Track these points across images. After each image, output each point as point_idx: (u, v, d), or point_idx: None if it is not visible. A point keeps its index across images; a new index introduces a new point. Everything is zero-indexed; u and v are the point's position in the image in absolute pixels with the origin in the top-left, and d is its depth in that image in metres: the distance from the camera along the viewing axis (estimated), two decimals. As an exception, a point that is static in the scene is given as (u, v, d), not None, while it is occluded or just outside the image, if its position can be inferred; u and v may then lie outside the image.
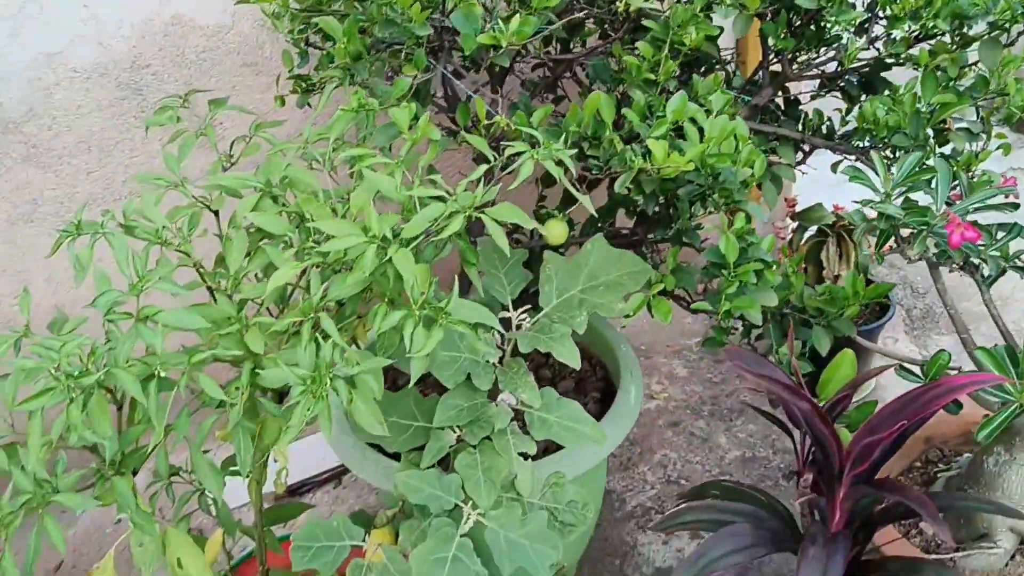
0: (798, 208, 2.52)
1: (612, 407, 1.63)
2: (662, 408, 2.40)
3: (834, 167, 1.81)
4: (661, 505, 2.10)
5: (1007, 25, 1.50)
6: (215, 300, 1.21)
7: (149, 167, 1.94)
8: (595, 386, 1.83)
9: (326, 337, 1.00)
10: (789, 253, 2.46)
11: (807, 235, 2.38)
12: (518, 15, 1.16)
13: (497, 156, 1.18)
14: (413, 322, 1.04)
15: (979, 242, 1.32)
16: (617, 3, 1.34)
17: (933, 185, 1.39)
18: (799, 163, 1.82)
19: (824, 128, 1.79)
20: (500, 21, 1.15)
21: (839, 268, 2.31)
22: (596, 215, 1.29)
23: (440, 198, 1.13)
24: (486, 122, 1.23)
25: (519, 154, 1.15)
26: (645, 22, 1.40)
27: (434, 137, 1.19)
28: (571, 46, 1.71)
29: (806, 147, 1.78)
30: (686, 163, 1.28)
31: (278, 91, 1.66)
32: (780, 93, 1.77)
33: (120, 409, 1.06)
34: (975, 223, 1.37)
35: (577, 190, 1.18)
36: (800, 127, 1.80)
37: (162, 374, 0.97)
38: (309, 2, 1.25)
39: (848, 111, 1.78)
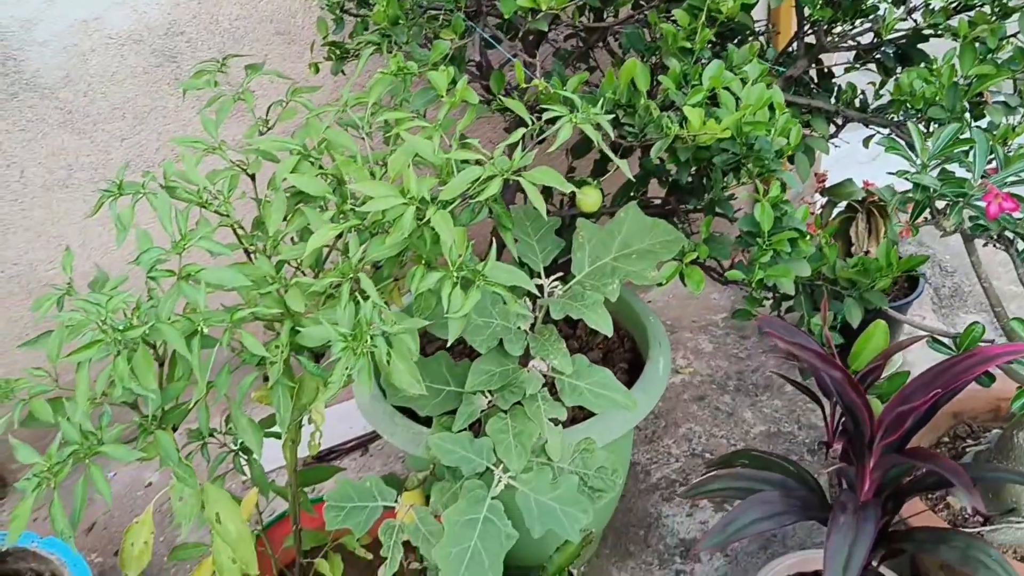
0: (828, 183, 2.52)
1: (641, 377, 1.63)
2: (687, 383, 2.41)
3: (866, 142, 1.80)
4: (685, 478, 2.10)
5: (1048, -5, 1.48)
6: (253, 263, 1.23)
7: (182, 135, 1.96)
8: (623, 357, 1.84)
9: (365, 297, 1.01)
10: (821, 226, 2.45)
11: (836, 211, 2.37)
12: (557, -21, 1.15)
13: (534, 120, 1.18)
14: (451, 283, 1.04)
15: (1017, 213, 1.31)
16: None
17: (970, 157, 1.38)
18: (832, 136, 1.81)
19: (857, 102, 1.78)
20: (540, -15, 1.15)
21: (868, 244, 2.30)
22: (632, 179, 1.29)
23: (478, 161, 1.14)
24: (524, 85, 1.23)
25: (556, 119, 1.15)
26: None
27: (472, 101, 1.20)
28: (604, 15, 1.71)
29: (839, 120, 1.77)
30: (722, 130, 1.28)
31: (312, 58, 1.67)
32: (814, 65, 1.76)
33: (161, 366, 1.08)
34: (1013, 195, 1.36)
35: (613, 155, 1.18)
36: (833, 100, 1.79)
37: (205, 331, 0.98)
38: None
39: (882, 84, 1.77)
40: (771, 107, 1.35)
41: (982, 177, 1.47)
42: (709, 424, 2.26)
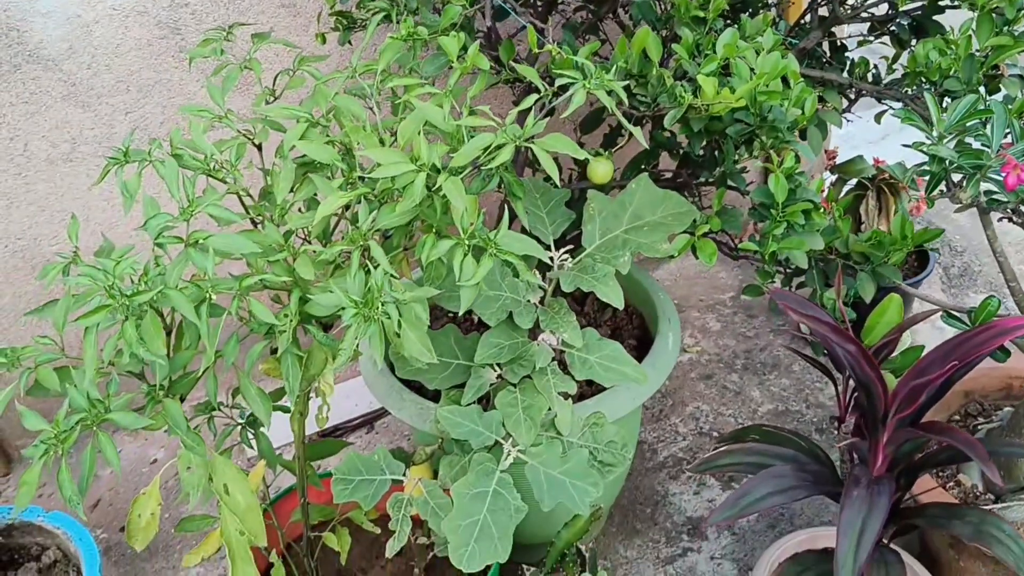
0: (838, 161, 2.49)
1: (651, 352, 1.62)
2: (695, 361, 2.39)
3: (878, 117, 1.77)
4: (693, 456, 2.10)
5: (1068, -35, 1.46)
6: (260, 232, 1.21)
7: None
8: (632, 334, 1.83)
9: (376, 265, 1.00)
10: (827, 206, 2.43)
11: (846, 188, 2.35)
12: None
13: (546, 87, 1.16)
14: (463, 251, 1.03)
15: (1036, 184, 1.29)
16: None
17: (987, 129, 1.36)
18: (845, 110, 1.79)
19: (870, 76, 1.76)
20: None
21: (878, 222, 2.28)
22: (646, 148, 1.27)
23: (491, 125, 1.12)
24: (537, 51, 1.21)
25: (567, 86, 1.13)
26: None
27: (483, 67, 1.18)
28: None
29: (852, 94, 1.75)
30: (736, 100, 1.26)
31: (319, 28, 1.65)
32: (827, 38, 1.74)
33: (168, 335, 1.07)
34: (1030, 166, 1.35)
35: (627, 124, 1.16)
36: (846, 73, 1.77)
37: (213, 298, 0.96)
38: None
39: (895, 58, 1.75)
40: (785, 78, 1.33)
41: (1000, 149, 1.45)
42: (716, 403, 2.25)
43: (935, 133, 1.38)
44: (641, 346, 1.80)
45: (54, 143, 1.87)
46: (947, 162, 1.35)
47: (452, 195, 1.03)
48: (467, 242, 1.04)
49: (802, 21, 1.75)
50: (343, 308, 0.96)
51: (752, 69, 1.33)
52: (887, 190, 2.29)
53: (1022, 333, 1.19)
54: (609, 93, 1.12)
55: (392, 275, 1.02)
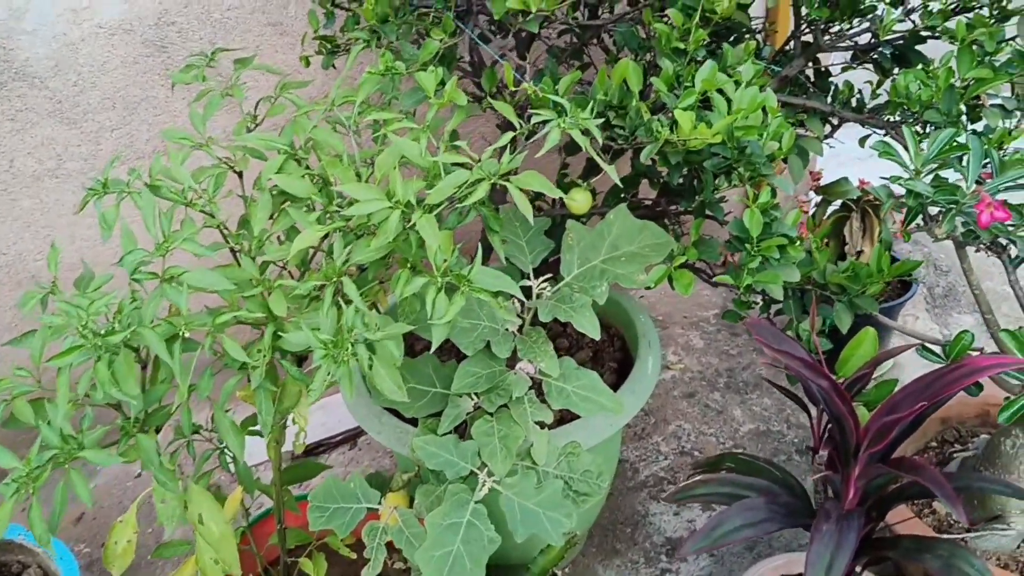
0: (823, 182, 2.51)
1: (629, 377, 1.63)
2: (677, 379, 2.40)
3: (862, 141, 1.78)
4: (674, 476, 2.11)
5: (1047, 0, 1.47)
6: (238, 262, 1.22)
7: (172, 125, 1.94)
8: (612, 356, 1.84)
9: (348, 302, 1.01)
10: (813, 228, 2.44)
11: (831, 209, 2.36)
12: (548, -19, 1.14)
13: (524, 124, 1.17)
14: (435, 288, 1.04)
15: (1009, 222, 1.30)
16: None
17: (964, 163, 1.38)
18: (827, 136, 1.80)
19: (854, 101, 1.77)
20: (530, -14, 1.14)
21: (862, 244, 2.29)
22: (620, 186, 1.28)
23: (465, 165, 1.13)
24: (514, 88, 1.22)
25: (545, 121, 1.14)
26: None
27: (460, 102, 1.19)
28: (599, 12, 1.69)
29: (835, 120, 1.76)
30: (713, 135, 1.27)
31: (303, 51, 1.66)
32: (810, 65, 1.75)
33: (144, 368, 1.07)
34: (1005, 203, 1.36)
35: (602, 160, 1.17)
36: (830, 99, 1.78)
37: (186, 335, 0.97)
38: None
39: (879, 83, 1.76)
40: (764, 110, 1.34)
41: (976, 183, 1.46)
42: (698, 422, 2.26)
43: (912, 167, 1.39)
44: (623, 368, 1.81)
45: (40, 160, 1.87)
46: (924, 196, 1.36)
47: (426, 233, 1.03)
48: (440, 279, 1.04)
49: (786, 48, 1.76)
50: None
51: (730, 101, 1.34)
52: (871, 212, 2.31)
53: (993, 373, 1.20)
54: (585, 132, 1.13)
55: (365, 312, 1.02)
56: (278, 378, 1.12)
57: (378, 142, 1.25)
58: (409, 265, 1.11)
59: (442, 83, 1.21)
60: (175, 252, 1.06)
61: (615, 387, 1.69)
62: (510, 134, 1.15)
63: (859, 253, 2.30)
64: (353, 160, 1.19)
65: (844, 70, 1.81)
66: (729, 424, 2.25)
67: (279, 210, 1.19)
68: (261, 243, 1.17)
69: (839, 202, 2.35)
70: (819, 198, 2.35)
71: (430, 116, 1.18)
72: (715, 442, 2.20)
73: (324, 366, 0.93)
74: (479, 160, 1.13)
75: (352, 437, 2.23)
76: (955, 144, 1.35)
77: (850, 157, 1.86)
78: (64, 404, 0.91)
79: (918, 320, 2.58)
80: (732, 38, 1.72)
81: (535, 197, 1.64)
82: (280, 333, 1.03)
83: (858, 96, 1.78)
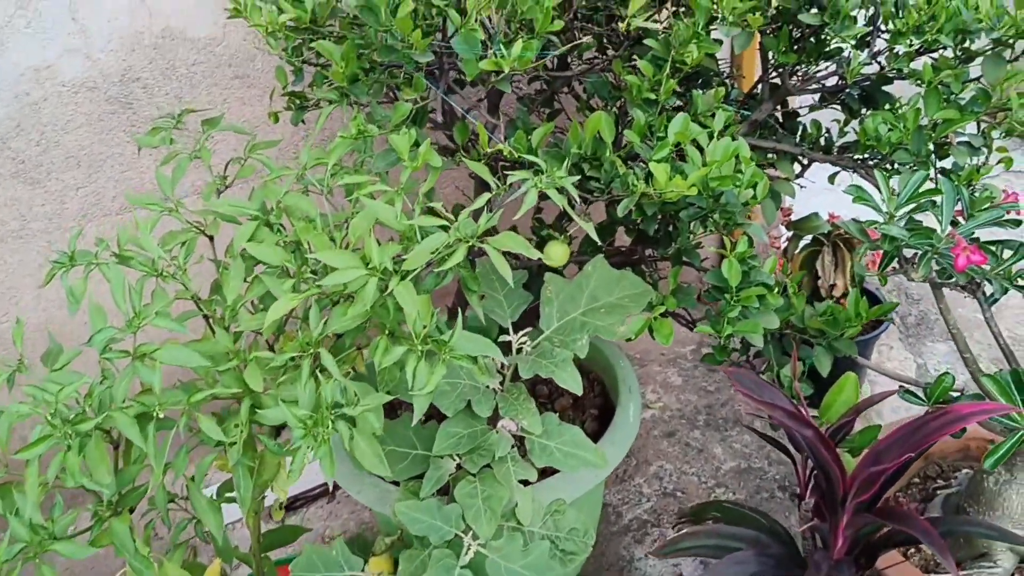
0: (793, 217, 2.52)
1: (611, 426, 1.61)
2: (657, 418, 2.39)
3: (831, 178, 1.80)
4: (657, 518, 2.09)
5: (1011, 41, 1.49)
6: (212, 330, 1.19)
7: (140, 182, 1.91)
8: (593, 402, 1.82)
9: (325, 373, 0.98)
10: (784, 263, 2.45)
11: (802, 244, 2.37)
12: (520, 40, 1.13)
13: (499, 184, 1.16)
14: (415, 357, 1.02)
15: (985, 265, 1.31)
16: (618, 23, 1.32)
17: (937, 204, 1.38)
18: (797, 176, 1.81)
19: (822, 140, 1.78)
20: (502, 46, 1.13)
21: (835, 277, 2.30)
22: (597, 241, 1.27)
23: (442, 227, 1.11)
24: (488, 149, 1.21)
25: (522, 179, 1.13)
26: (646, 41, 1.38)
27: (435, 164, 1.17)
28: (568, 61, 1.69)
29: (805, 160, 1.77)
30: (688, 187, 1.27)
31: (271, 107, 1.64)
32: (778, 108, 1.76)
33: (117, 448, 1.04)
34: (978, 242, 1.37)
35: (579, 213, 1.16)
36: (798, 139, 1.79)
37: (160, 415, 0.94)
38: (304, 23, 1.22)
39: (846, 122, 1.77)
40: (737, 159, 1.34)
41: (952, 224, 1.48)
42: (680, 461, 2.25)
43: (885, 210, 1.40)
44: (604, 414, 1.79)
45: (3, 220, 1.83)
46: (899, 240, 1.37)
47: (404, 301, 1.02)
48: (420, 347, 1.02)
49: (754, 91, 1.77)
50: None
51: (703, 149, 1.34)
52: (843, 245, 2.32)
53: (976, 420, 1.20)
54: (560, 190, 1.12)
55: (344, 383, 1.00)
56: (256, 451, 1.09)
57: (353, 203, 1.23)
58: (387, 331, 1.09)
59: (416, 143, 1.20)
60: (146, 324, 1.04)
61: (597, 434, 1.67)
62: (486, 195, 1.14)
63: (832, 287, 2.31)
64: (327, 223, 1.17)
65: (812, 110, 1.83)
66: (710, 463, 2.23)
67: (253, 277, 1.17)
68: (235, 312, 1.14)
69: (810, 236, 2.37)
70: (791, 233, 2.38)
71: (404, 178, 1.16)
72: (697, 482, 2.18)
73: (303, 446, 0.91)
74: (455, 220, 1.11)
75: (332, 490, 2.19)
76: (926, 189, 1.36)
77: (819, 187, 1.87)
78: (33, 494, 0.88)
79: (892, 350, 2.59)
80: (700, 81, 1.72)
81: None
82: (257, 407, 1.00)
83: (826, 135, 1.80)
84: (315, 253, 1.08)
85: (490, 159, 1.43)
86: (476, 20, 1.12)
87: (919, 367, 2.51)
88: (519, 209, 1.10)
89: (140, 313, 1.01)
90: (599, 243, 1.64)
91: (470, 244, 1.09)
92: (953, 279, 1.42)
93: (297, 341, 1.06)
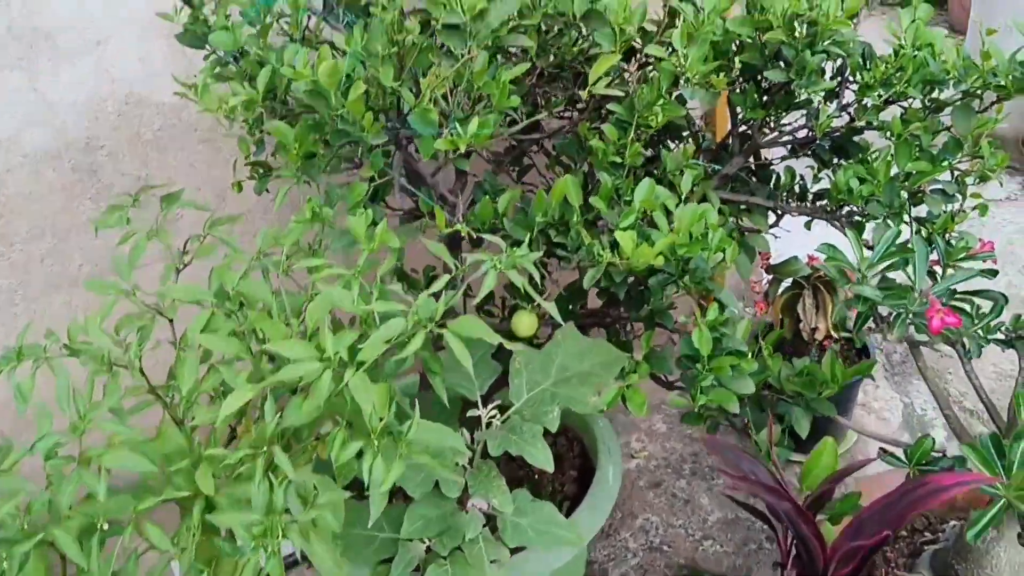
0: (773, 260, 2.50)
1: (589, 492, 1.58)
2: (643, 468, 2.35)
3: (807, 224, 1.78)
4: (644, 574, 2.04)
5: (979, 92, 1.48)
6: (165, 408, 1.16)
7: (105, 250, 1.88)
8: (572, 463, 1.79)
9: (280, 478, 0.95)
10: (762, 307, 2.43)
11: (783, 286, 2.34)
12: (476, 117, 1.11)
13: (458, 265, 1.13)
14: (372, 453, 0.98)
15: (960, 327, 1.29)
16: (578, 91, 1.30)
17: (910, 265, 1.36)
18: (772, 225, 1.79)
19: (796, 187, 1.76)
20: (458, 124, 1.10)
21: (816, 321, 2.28)
22: (561, 321, 1.24)
23: (401, 309, 1.08)
24: (444, 230, 1.18)
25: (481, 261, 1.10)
26: (609, 106, 1.36)
27: (393, 245, 1.15)
28: (538, 121, 1.67)
29: (778, 211, 1.75)
30: (655, 256, 1.24)
31: (235, 177, 1.61)
32: (750, 160, 1.74)
33: (64, 558, 1.00)
34: (955, 295, 1.35)
35: (542, 288, 1.13)
36: (772, 187, 1.77)
37: (105, 527, 0.91)
38: (257, 102, 1.19)
39: (819, 169, 1.76)
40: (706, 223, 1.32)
41: (930, 275, 1.45)
42: (666, 513, 2.21)
43: (859, 269, 1.37)
44: (584, 475, 1.76)
45: (-35, 294, 1.80)
46: (873, 301, 1.34)
47: (359, 395, 0.99)
48: (376, 442, 0.99)
49: (727, 142, 1.76)
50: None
51: (671, 212, 1.32)
52: (823, 288, 2.29)
53: (957, 492, 1.17)
54: (522, 270, 1.10)
55: (300, 484, 0.97)
56: (211, 552, 1.05)
57: (312, 285, 1.20)
58: (346, 422, 1.06)
59: (375, 222, 1.17)
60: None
61: (577, 498, 1.64)
62: (446, 277, 1.11)
63: (814, 330, 2.28)
64: (284, 308, 1.14)
65: (784, 159, 1.81)
66: (697, 513, 2.19)
67: (209, 366, 1.14)
68: (190, 404, 1.11)
69: (791, 279, 2.35)
70: (771, 276, 2.35)
71: (361, 261, 1.14)
72: (684, 534, 2.14)
73: (253, 560, 0.87)
74: (414, 305, 1.08)
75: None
76: (900, 246, 1.34)
77: (799, 229, 1.84)
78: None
79: (878, 388, 2.56)
80: (670, 135, 1.70)
81: (480, 305, 1.60)
82: (208, 512, 0.97)
83: (800, 182, 1.78)
84: (270, 345, 1.05)
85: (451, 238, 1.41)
86: (430, 99, 1.09)
87: (905, 407, 2.48)
88: (478, 294, 1.07)
89: (85, 416, 0.97)
90: (568, 301, 1.62)
91: (429, 329, 1.06)
92: (929, 339, 1.40)
93: (251, 436, 1.03)
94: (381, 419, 1.00)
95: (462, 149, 1.10)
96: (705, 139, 1.82)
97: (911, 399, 2.50)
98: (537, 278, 1.12)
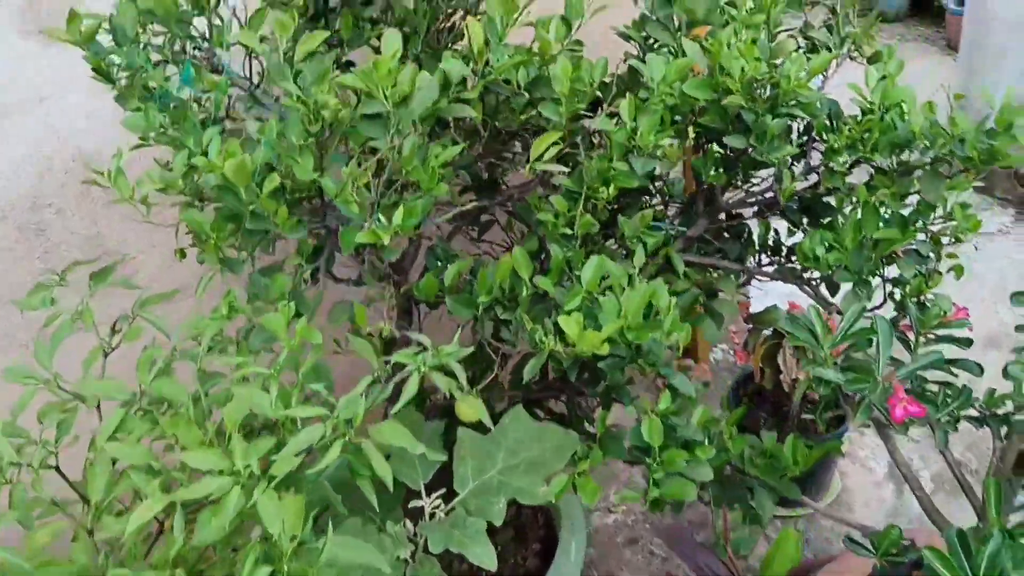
0: (752, 309, 2.43)
1: (550, 570, 1.51)
2: (620, 523, 2.28)
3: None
4: (618, 640, 1.98)
5: (948, 157, 1.41)
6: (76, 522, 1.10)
7: (55, 312, 1.82)
8: (536, 535, 1.72)
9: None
10: (741, 356, 2.36)
11: (763, 335, 2.28)
12: (401, 207, 1.04)
13: (382, 367, 1.07)
14: (282, 577, 0.92)
15: (923, 417, 1.22)
16: (521, 169, 1.24)
17: (875, 345, 1.29)
18: (740, 286, 1.72)
19: (771, 240, 1.70)
20: (381, 216, 1.04)
21: (796, 372, 2.21)
22: (491, 426, 1.18)
23: (322, 413, 1.02)
24: (366, 330, 1.12)
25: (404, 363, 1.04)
26: (554, 180, 1.30)
27: (315, 341, 1.08)
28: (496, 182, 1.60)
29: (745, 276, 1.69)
30: (601, 343, 1.17)
31: (178, 244, 1.55)
32: (717, 223, 1.67)
33: None
34: (916, 396, 1.28)
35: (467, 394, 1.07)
36: (742, 243, 1.71)
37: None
38: (177, 189, 1.14)
39: (791, 232, 1.69)
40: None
41: (900, 342, 1.39)
42: (644, 572, 2.14)
43: (821, 351, 1.30)
44: (547, 548, 1.69)
45: (-92, 359, 1.74)
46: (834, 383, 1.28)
47: (266, 515, 0.92)
48: (287, 565, 0.93)
49: (692, 204, 1.69)
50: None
51: (624, 289, 1.25)
52: (804, 337, 2.22)
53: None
54: (448, 372, 1.03)
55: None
56: None
57: (235, 383, 1.14)
58: (261, 537, 1.00)
59: (298, 314, 1.11)
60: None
61: (539, 572, 1.58)
62: (367, 378, 1.04)
63: (794, 381, 2.22)
64: (201, 410, 1.08)
65: (755, 215, 1.74)
66: (675, 573, 2.12)
67: (122, 472, 1.08)
68: (100, 514, 1.05)
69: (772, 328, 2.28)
70: (750, 326, 2.29)
71: (282, 359, 1.07)
72: (660, 595, 2.08)
73: None
74: (335, 408, 1.02)
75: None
76: (863, 330, 1.27)
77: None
78: None
79: (864, 436, 2.49)
80: (632, 196, 1.63)
81: (427, 395, 1.53)
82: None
83: (775, 235, 1.72)
84: (182, 454, 0.99)
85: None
86: (353, 190, 1.03)
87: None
88: (398, 402, 1.00)
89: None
90: (521, 380, 1.55)
91: (348, 437, 1.00)
92: (894, 428, 1.32)
93: (159, 555, 0.96)
94: (293, 538, 0.94)
95: (386, 242, 1.03)
96: (677, 191, 1.75)
97: (901, 447, 2.42)
98: (465, 384, 1.05)
